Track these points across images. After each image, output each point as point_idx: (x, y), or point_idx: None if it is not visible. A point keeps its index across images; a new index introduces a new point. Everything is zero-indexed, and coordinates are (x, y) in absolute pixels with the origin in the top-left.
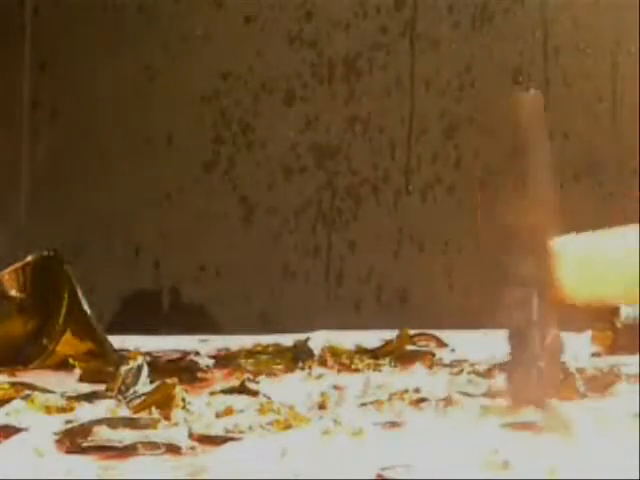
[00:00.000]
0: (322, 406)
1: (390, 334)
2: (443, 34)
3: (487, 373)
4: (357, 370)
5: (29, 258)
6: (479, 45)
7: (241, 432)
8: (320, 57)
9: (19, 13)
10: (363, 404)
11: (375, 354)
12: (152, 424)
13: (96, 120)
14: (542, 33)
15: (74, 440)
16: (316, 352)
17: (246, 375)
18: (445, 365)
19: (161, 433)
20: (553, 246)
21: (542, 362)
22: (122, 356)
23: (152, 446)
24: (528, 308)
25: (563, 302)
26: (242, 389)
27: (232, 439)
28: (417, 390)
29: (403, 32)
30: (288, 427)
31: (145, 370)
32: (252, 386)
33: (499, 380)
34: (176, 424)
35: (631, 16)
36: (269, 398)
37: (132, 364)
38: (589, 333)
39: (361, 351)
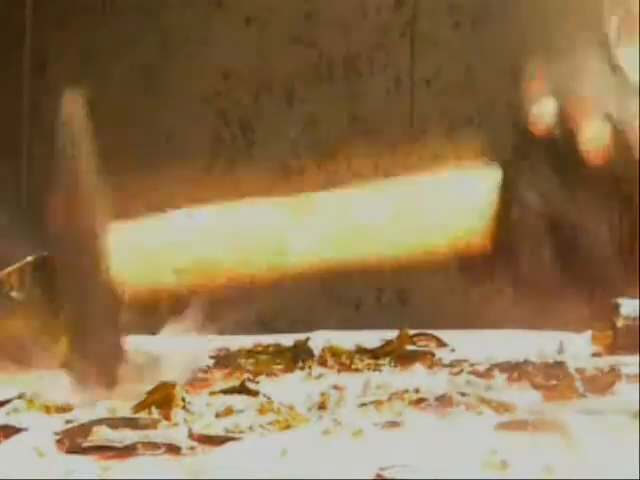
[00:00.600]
0: (322, 406)
1: (390, 334)
2: (443, 34)
3: (487, 373)
4: (357, 370)
5: (29, 258)
6: (479, 45)
7: (241, 432)
8: (320, 57)
9: (19, 13)
10: (363, 404)
11: (375, 354)
12: (152, 424)
13: (96, 120)
14: (542, 33)
15: (74, 440)
16: (316, 352)
17: (246, 375)
18: (445, 365)
19: (161, 433)
20: (105, 242)
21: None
22: None
23: (152, 446)
24: (83, 303)
25: (119, 296)
26: (242, 389)
27: (232, 439)
28: (417, 390)
29: (403, 32)
30: (288, 427)
31: None
32: (252, 386)
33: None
34: (176, 424)
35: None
36: (269, 398)
37: None
38: (589, 333)
39: (361, 351)
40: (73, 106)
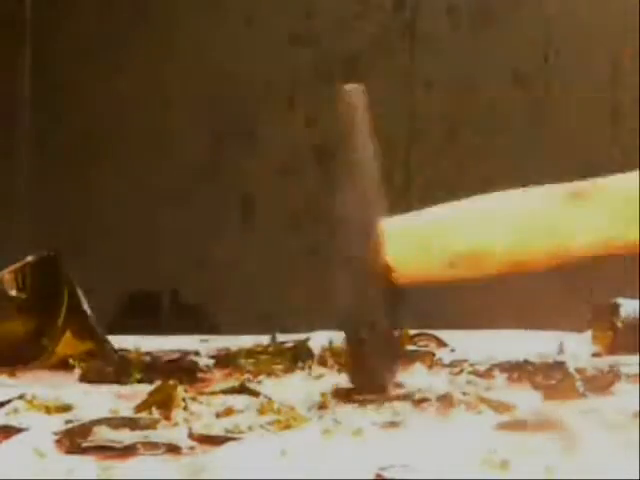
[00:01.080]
0: (322, 406)
1: None
2: (443, 34)
3: (487, 373)
4: None
5: (29, 258)
6: (479, 45)
7: (241, 432)
8: (320, 57)
9: (19, 12)
10: (363, 404)
11: None
12: (152, 424)
13: (96, 120)
14: (542, 33)
15: (74, 440)
16: (316, 352)
17: (246, 376)
18: (445, 365)
19: (161, 433)
20: (379, 228)
21: (379, 344)
22: (122, 356)
23: (152, 446)
24: (357, 291)
25: (393, 281)
26: (242, 389)
27: (232, 439)
28: (418, 390)
29: (403, 32)
30: (288, 427)
31: None
32: (253, 386)
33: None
34: (176, 424)
35: (631, 16)
36: (269, 398)
37: None
38: (589, 333)
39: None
40: (353, 98)
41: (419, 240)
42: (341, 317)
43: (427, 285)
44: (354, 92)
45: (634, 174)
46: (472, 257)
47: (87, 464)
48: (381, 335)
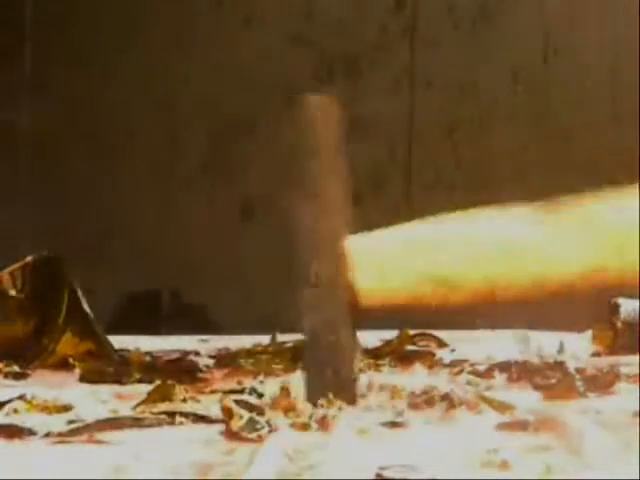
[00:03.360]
0: (323, 406)
1: (390, 334)
2: (443, 34)
3: (487, 373)
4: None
5: (29, 258)
6: (479, 45)
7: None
8: (320, 57)
9: (19, 13)
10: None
11: (375, 354)
12: (155, 424)
13: (96, 120)
14: (542, 33)
15: (74, 440)
16: None
17: (250, 385)
18: (445, 365)
19: (163, 433)
20: (346, 247)
21: (337, 363)
22: (122, 356)
23: (153, 445)
24: (321, 309)
25: (358, 303)
26: (244, 392)
27: None
28: (417, 390)
29: (403, 32)
30: (290, 427)
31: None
32: (259, 388)
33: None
34: (180, 423)
35: (631, 16)
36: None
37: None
38: (589, 333)
39: (361, 351)
40: (319, 108)
41: (386, 262)
42: (306, 335)
43: (391, 310)
44: (318, 103)
45: (624, 199)
46: (444, 282)
47: (87, 463)
48: (343, 354)
